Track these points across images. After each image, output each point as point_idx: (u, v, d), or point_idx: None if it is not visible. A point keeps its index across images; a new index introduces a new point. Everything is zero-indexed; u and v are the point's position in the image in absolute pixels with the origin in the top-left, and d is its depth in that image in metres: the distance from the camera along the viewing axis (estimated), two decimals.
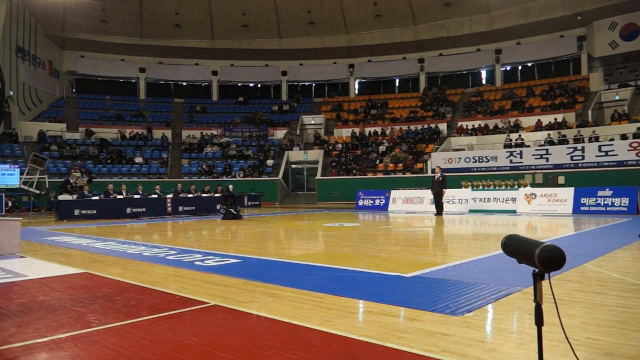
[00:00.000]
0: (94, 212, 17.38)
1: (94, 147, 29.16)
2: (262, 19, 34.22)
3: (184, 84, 37.89)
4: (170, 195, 19.51)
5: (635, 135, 21.46)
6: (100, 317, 3.94)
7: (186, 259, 7.04)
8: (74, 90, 35.31)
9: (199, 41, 35.21)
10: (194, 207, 19.63)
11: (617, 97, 26.98)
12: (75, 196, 18.27)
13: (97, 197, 18.52)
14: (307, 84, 38.49)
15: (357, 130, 31.82)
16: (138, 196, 18.80)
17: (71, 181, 21.23)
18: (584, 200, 15.76)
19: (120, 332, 3.54)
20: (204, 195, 20.62)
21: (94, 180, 23.44)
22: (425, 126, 30.10)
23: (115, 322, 3.77)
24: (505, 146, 24.59)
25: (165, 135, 32.22)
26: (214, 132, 33.00)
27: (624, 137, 21.76)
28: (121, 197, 18.35)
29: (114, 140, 30.71)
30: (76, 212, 17.07)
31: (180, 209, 19.23)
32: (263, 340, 3.29)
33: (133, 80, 36.43)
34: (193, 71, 37.04)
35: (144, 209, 18.32)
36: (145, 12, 32.94)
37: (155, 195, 19.26)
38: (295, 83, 38.17)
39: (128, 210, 17.94)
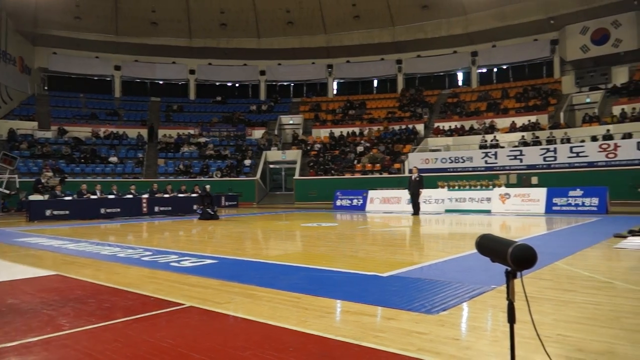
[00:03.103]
0: (67, 212, 17.00)
1: (67, 146, 28.53)
2: (240, 18, 34.00)
3: (161, 82, 37.34)
4: (146, 196, 19.22)
5: (605, 137, 22.07)
6: (72, 320, 3.86)
7: (162, 260, 6.94)
8: (46, 88, 34.45)
9: (176, 39, 34.78)
10: (170, 208, 19.39)
11: (587, 100, 27.69)
12: (46, 196, 17.86)
13: (69, 198, 18.13)
14: (285, 83, 38.40)
15: (335, 130, 31.90)
16: (113, 196, 18.47)
17: (42, 181, 20.75)
18: (556, 200, 16.12)
19: (92, 335, 3.48)
20: (180, 195, 20.39)
21: (66, 180, 22.93)
22: (403, 127, 30.36)
23: (87, 325, 3.69)
24: (481, 147, 24.99)
25: (141, 135, 31.73)
26: (191, 131, 32.65)
27: (594, 138, 22.35)
28: (95, 197, 17.99)
29: (88, 139, 30.10)
30: (48, 212, 16.68)
31: (157, 209, 18.97)
32: (239, 341, 3.27)
33: (108, 78, 35.74)
34: (170, 70, 36.54)
35: (118, 210, 18.00)
36: (121, 8, 32.37)
37: (131, 196, 18.96)
38: (274, 83, 38.04)
39: (102, 210, 17.61)
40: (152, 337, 3.37)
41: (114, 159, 28.63)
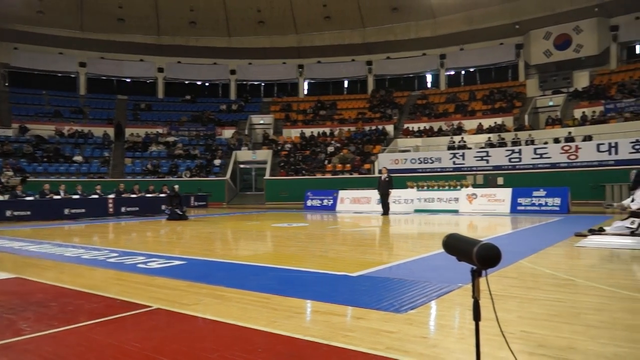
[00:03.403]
0: (28, 213, 16.43)
1: (29, 144, 27.59)
2: (210, 16, 33.61)
3: (128, 80, 36.54)
4: (112, 196, 18.78)
5: (566, 139, 22.82)
6: (33, 324, 3.73)
7: (128, 262, 6.80)
8: (6, 84, 33.21)
9: (144, 36, 34.12)
10: (137, 208, 18.99)
11: (550, 103, 28.57)
12: (7, 196, 17.21)
13: (31, 198, 17.53)
14: (256, 83, 38.18)
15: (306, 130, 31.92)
16: (77, 196, 17.97)
17: (2, 180, 19.99)
18: (520, 200, 16.56)
19: (55, 339, 3.37)
20: (148, 195, 20.00)
21: (28, 179, 22.14)
22: (373, 127, 30.62)
23: (50, 329, 3.58)
24: (449, 148, 25.45)
25: (108, 133, 30.97)
26: (160, 130, 32.08)
27: (556, 140, 23.08)
28: (58, 197, 17.46)
29: (51, 137, 29.18)
30: (8, 213, 16.07)
31: (123, 209, 18.55)
32: (207, 343, 3.23)
33: (72, 75, 34.73)
34: (137, 67, 35.80)
35: (83, 210, 17.51)
36: (86, 3, 31.53)
37: (96, 196, 18.48)
38: (244, 82, 37.76)
39: (66, 211, 17.09)
40: (117, 340, 3.30)
41: (78, 158, 27.86)
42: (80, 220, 16.56)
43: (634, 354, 2.87)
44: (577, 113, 25.93)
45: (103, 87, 35.75)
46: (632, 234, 8.25)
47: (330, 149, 29.28)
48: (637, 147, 19.46)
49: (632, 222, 8.40)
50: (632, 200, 8.62)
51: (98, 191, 18.89)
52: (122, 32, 33.45)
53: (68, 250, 8.29)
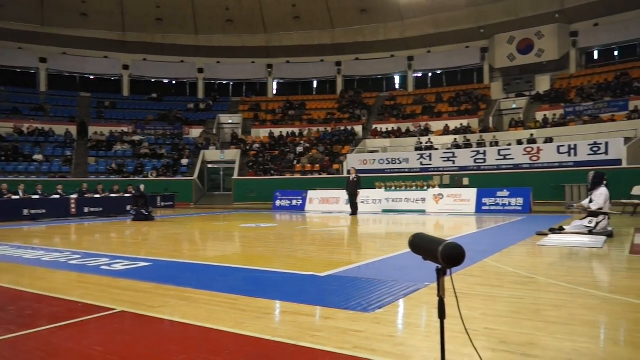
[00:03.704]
0: None
1: None
2: (177, 13, 33.06)
3: (92, 77, 35.57)
4: (74, 196, 18.23)
5: (529, 141, 23.51)
6: None
7: (91, 264, 6.61)
8: None
9: (109, 32, 33.27)
10: (101, 209, 18.49)
11: (514, 106, 29.38)
12: None
13: None
14: (224, 82, 37.79)
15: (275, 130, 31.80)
16: (37, 197, 17.36)
17: None
18: (485, 200, 16.95)
19: (13, 344, 3.25)
20: (112, 195, 19.51)
21: None
22: (342, 128, 30.77)
23: (6, 334, 3.45)
24: (416, 149, 25.83)
25: (70, 131, 30.04)
26: (125, 129, 31.35)
27: (519, 142, 23.74)
28: (17, 197, 16.84)
29: (9, 135, 28.10)
30: None
31: (86, 210, 18.03)
32: (174, 345, 3.18)
33: (32, 71, 33.55)
34: (102, 64, 34.88)
35: (44, 211, 16.93)
36: None
37: (58, 196, 17.91)
38: (212, 81, 37.33)
39: (25, 212, 16.48)
40: (79, 344, 3.21)
41: (39, 156, 26.94)
42: (40, 222, 16.00)
43: (591, 348, 2.98)
44: (539, 116, 26.76)
45: (65, 83, 34.66)
46: (590, 232, 8.57)
47: (300, 149, 29.28)
48: (594, 149, 20.23)
49: (590, 222, 8.73)
50: (591, 201, 8.95)
51: (59, 191, 18.30)
52: (85, 27, 32.52)
53: (27, 252, 8.01)
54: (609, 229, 8.79)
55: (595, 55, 30.72)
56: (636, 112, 23.13)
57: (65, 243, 9.76)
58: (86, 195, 18.59)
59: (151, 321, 3.79)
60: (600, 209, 8.73)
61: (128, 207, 18.36)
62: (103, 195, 19.26)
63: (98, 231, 12.52)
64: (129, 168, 27.86)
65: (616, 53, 29.99)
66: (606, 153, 19.92)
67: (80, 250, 8.07)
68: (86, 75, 35.27)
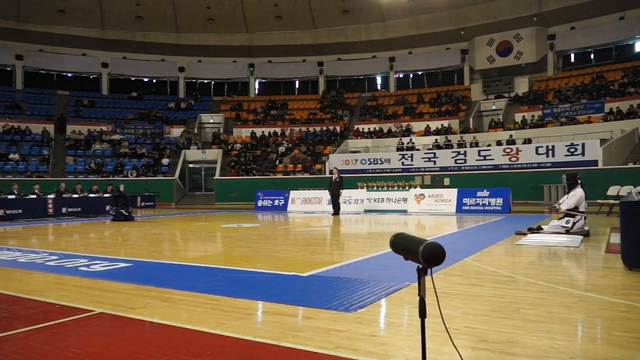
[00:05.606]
0: None
1: None
2: (158, 11, 32.69)
3: (70, 75, 34.94)
4: (52, 196, 17.88)
5: (508, 142, 23.87)
6: None
7: (69, 265, 6.50)
8: None
9: (87, 30, 32.71)
10: (79, 209, 18.17)
11: (493, 107, 29.81)
12: None
13: None
14: (206, 81, 37.51)
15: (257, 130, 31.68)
16: (13, 196, 16.98)
17: None
18: (465, 200, 17.16)
19: None
20: (91, 195, 19.20)
21: None
22: (324, 128, 30.80)
23: None
24: (398, 149, 26.01)
25: (47, 130, 29.46)
26: (104, 128, 30.89)
27: (499, 143, 24.10)
28: None
29: None
30: None
31: (64, 210, 17.70)
32: (154, 347, 3.14)
33: (8, 68, 32.82)
34: (80, 62, 34.28)
35: (20, 211, 16.57)
36: None
37: (34, 196, 17.55)
38: (194, 80, 37.02)
39: (1, 212, 16.12)
40: (56, 347, 3.15)
41: (14, 156, 26.37)
42: (16, 222, 15.65)
43: (569, 346, 3.04)
44: (518, 117, 27.20)
45: (42, 81, 33.99)
46: (567, 232, 8.75)
47: (282, 149, 29.22)
48: (571, 150, 20.64)
49: (567, 222, 8.90)
50: (561, 202, 9.18)
51: (36, 191, 17.93)
52: (63, 24, 31.92)
53: (2, 253, 7.83)
54: (586, 228, 8.98)
55: (572, 58, 31.35)
56: (612, 114, 23.68)
57: (43, 244, 9.57)
58: (64, 195, 18.26)
59: (131, 323, 3.74)
60: (576, 208, 8.91)
61: (107, 207, 18.07)
62: (82, 195, 18.94)
63: (76, 232, 12.30)
64: (108, 167, 27.45)
65: (592, 56, 30.67)
66: (583, 154, 20.35)
67: (57, 251, 7.92)
68: (64, 73, 34.62)
